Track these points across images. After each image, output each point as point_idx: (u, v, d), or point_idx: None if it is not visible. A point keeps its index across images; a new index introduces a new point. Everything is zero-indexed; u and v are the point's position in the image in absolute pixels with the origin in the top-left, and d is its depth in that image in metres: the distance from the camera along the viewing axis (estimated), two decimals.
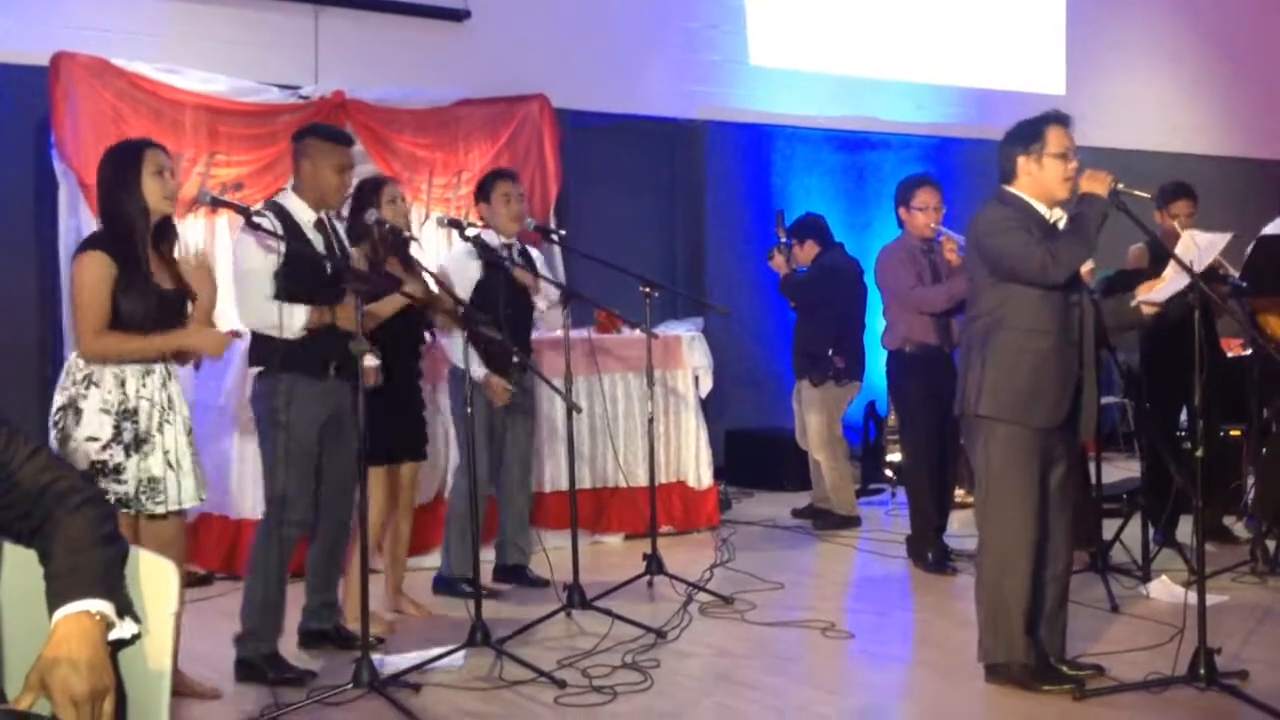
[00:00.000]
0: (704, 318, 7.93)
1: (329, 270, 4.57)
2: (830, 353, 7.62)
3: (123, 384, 4.13)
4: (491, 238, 5.91)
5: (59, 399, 4.17)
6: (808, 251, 7.87)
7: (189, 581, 4.42)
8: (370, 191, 5.30)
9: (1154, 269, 5.66)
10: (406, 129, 8.19)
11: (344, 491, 4.75)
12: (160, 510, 4.19)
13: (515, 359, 5.43)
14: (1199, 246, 4.65)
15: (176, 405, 4.27)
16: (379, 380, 4.77)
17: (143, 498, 4.14)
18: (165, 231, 4.29)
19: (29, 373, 7.10)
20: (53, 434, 4.14)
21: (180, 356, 4.34)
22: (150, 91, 7.30)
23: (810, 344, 7.72)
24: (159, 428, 4.17)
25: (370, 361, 4.58)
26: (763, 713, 4.29)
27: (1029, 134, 4.40)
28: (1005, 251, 4.31)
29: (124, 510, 4.08)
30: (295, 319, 4.56)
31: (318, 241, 4.71)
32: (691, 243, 9.69)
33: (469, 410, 4.78)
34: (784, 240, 7.87)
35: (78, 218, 6.95)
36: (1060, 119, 4.41)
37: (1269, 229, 6.60)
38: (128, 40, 7.40)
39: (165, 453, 4.17)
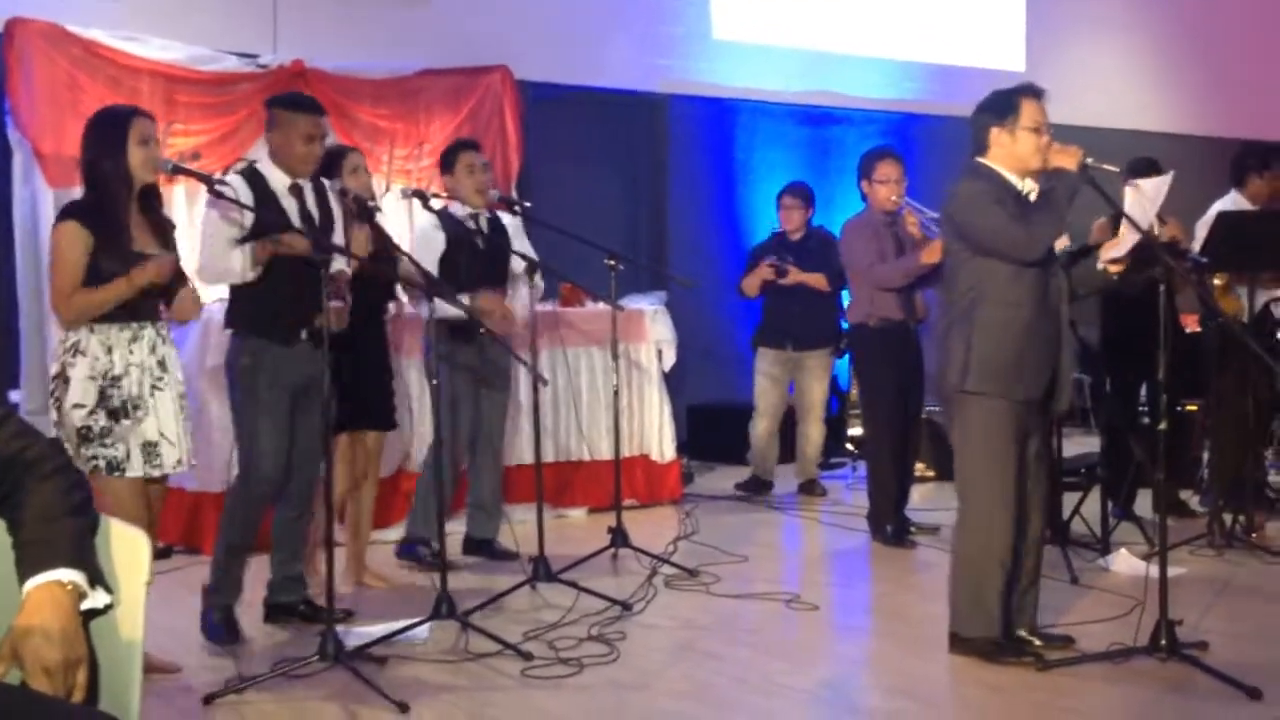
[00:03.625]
0: (667, 291, 7.92)
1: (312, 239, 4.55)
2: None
3: (109, 350, 4.15)
4: (458, 209, 5.89)
5: (52, 369, 4.23)
6: (806, 214, 7.89)
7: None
8: (332, 161, 5.24)
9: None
10: (367, 99, 8.10)
11: (312, 460, 4.74)
12: (158, 474, 4.24)
13: (482, 330, 5.40)
14: (1147, 197, 4.65)
15: (170, 369, 4.28)
16: (344, 323, 4.77)
17: (142, 461, 4.17)
18: (150, 197, 4.30)
19: None
20: (50, 403, 4.21)
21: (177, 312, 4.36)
22: (107, 59, 7.18)
23: (833, 310, 7.66)
24: (150, 392, 4.16)
25: (334, 303, 4.58)
26: (728, 684, 4.31)
27: (1003, 105, 4.38)
28: (983, 228, 4.30)
29: (115, 474, 4.12)
30: (241, 260, 4.55)
31: (291, 208, 4.71)
32: (654, 216, 9.67)
33: (434, 382, 4.78)
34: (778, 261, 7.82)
35: (32, 186, 6.84)
36: (1034, 91, 4.39)
37: (1219, 205, 6.66)
38: (84, 6, 7.27)
39: (159, 417, 4.19)
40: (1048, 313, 4.38)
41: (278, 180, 4.72)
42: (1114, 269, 4.84)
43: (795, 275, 7.75)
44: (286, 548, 4.96)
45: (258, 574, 5.03)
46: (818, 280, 7.68)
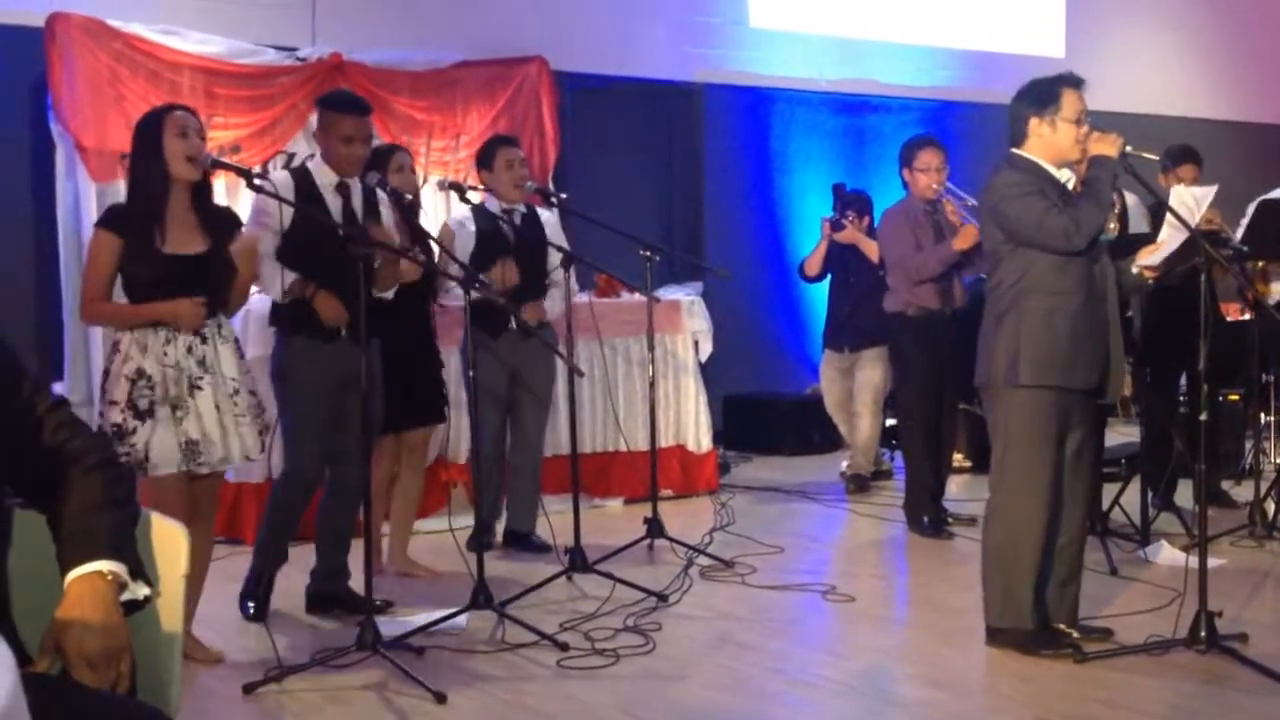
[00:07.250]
0: (703, 282, 7.90)
1: (340, 234, 4.56)
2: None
3: (144, 350, 4.20)
4: (494, 204, 5.92)
5: (104, 365, 4.35)
6: (864, 224, 7.74)
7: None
8: (377, 158, 5.26)
9: (1156, 232, 5.65)
10: (404, 91, 8.13)
11: (361, 455, 4.73)
12: (204, 471, 4.27)
13: (515, 324, 5.43)
14: (1196, 200, 4.61)
15: (217, 369, 4.28)
16: (397, 280, 4.91)
17: (183, 459, 4.21)
18: (201, 194, 4.32)
19: (26, 334, 7.07)
20: (100, 398, 4.33)
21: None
22: (147, 53, 7.23)
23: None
24: (190, 392, 4.19)
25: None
26: (765, 675, 4.31)
27: (1044, 96, 4.33)
28: (1025, 220, 4.25)
29: (138, 472, 4.15)
30: (274, 283, 4.68)
31: (335, 205, 4.75)
32: (690, 206, 9.65)
33: (471, 374, 4.80)
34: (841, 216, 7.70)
35: (75, 180, 6.91)
36: (1075, 81, 4.34)
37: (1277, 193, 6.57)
38: (124, 0, 7.33)
39: (200, 416, 4.21)
40: (1096, 300, 4.34)
41: (325, 178, 4.80)
42: (1149, 274, 4.79)
43: (851, 232, 7.61)
44: (331, 538, 5.00)
45: (302, 563, 5.08)
46: (870, 246, 7.48)
